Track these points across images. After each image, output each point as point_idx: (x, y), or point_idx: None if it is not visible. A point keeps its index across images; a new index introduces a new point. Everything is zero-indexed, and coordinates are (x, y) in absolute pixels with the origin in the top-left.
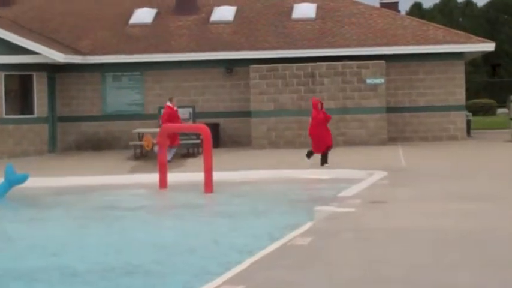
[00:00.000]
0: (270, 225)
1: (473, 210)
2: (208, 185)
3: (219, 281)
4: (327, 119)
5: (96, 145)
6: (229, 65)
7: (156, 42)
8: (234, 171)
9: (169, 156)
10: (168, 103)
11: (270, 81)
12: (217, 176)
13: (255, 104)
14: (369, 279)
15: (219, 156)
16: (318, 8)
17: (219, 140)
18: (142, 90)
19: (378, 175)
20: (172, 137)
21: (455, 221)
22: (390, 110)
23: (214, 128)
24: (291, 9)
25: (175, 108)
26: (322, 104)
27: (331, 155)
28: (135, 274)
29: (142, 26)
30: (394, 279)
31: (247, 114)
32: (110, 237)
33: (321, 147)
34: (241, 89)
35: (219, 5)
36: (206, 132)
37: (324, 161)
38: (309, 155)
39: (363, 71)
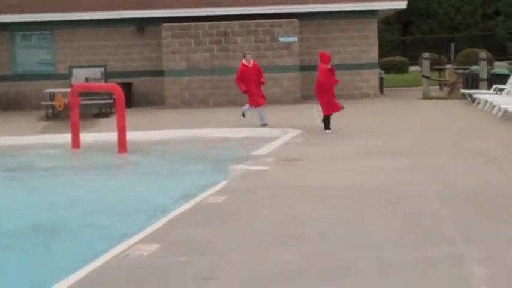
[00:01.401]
0: (184, 184)
1: (386, 166)
2: (122, 145)
3: (133, 240)
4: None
5: (7, 105)
6: (141, 24)
7: (66, 1)
8: (147, 130)
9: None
10: (243, 60)
11: (183, 40)
12: (130, 135)
13: (168, 63)
14: (283, 236)
15: (132, 116)
16: None
17: (131, 99)
18: (52, 49)
19: (292, 133)
20: (253, 95)
21: (369, 178)
22: (304, 68)
23: (127, 87)
24: None
25: (250, 64)
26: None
27: (246, 112)
28: (41, 233)
29: None
30: (308, 236)
31: (160, 73)
32: (21, 198)
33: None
34: (154, 48)
35: None
36: (118, 91)
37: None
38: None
39: (276, 29)
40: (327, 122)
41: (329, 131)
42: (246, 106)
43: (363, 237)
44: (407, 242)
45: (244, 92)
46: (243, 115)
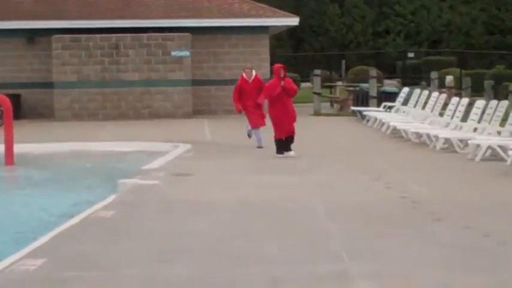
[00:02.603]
0: (73, 198)
1: (276, 182)
2: (9, 156)
3: (19, 254)
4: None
5: None
6: (31, 35)
7: None
8: (36, 143)
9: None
10: (243, 74)
11: (73, 52)
12: (18, 148)
13: (58, 75)
14: (172, 251)
15: (21, 128)
16: None
17: (20, 111)
18: None
19: (182, 148)
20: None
21: (259, 193)
22: (195, 83)
23: (15, 99)
24: None
25: (251, 79)
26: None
27: (135, 127)
28: None
29: None
30: (198, 251)
31: (50, 85)
32: None
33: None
34: (44, 60)
35: None
36: (6, 102)
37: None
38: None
39: (169, 43)
40: (279, 145)
41: (281, 155)
42: (248, 126)
43: (253, 252)
44: (296, 257)
45: (240, 111)
46: (249, 136)
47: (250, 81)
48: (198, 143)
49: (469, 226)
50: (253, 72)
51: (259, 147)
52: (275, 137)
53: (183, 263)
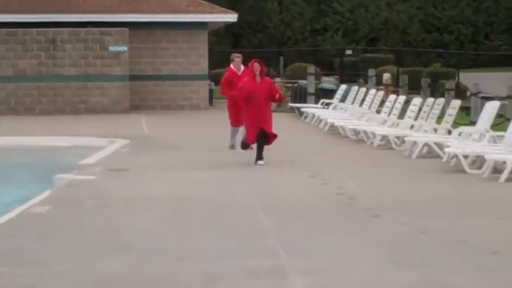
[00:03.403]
0: (7, 193)
1: (212, 178)
2: None
3: None
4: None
5: None
6: None
7: None
8: None
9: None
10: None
11: (9, 46)
12: None
13: None
14: (108, 247)
15: None
16: None
17: None
18: None
19: (119, 143)
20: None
21: (195, 189)
22: (133, 78)
23: None
24: None
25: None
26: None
27: (72, 122)
28: None
29: None
30: (134, 246)
31: None
32: None
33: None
34: None
35: None
36: None
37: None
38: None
39: (106, 38)
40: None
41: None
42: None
43: (189, 248)
44: (234, 253)
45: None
46: (232, 147)
47: (240, 73)
48: (135, 138)
49: (406, 223)
50: (242, 66)
51: (232, 147)
52: (244, 139)
53: (118, 259)
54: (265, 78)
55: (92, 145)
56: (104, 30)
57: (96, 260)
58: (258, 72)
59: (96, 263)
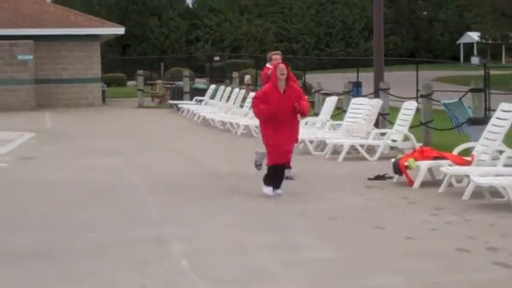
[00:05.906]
0: None
1: (104, 163)
2: None
3: None
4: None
5: None
6: None
7: None
8: None
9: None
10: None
11: None
12: None
13: None
14: (12, 224)
15: None
16: None
17: None
18: None
19: (27, 136)
20: None
21: (90, 172)
22: (38, 81)
23: None
24: None
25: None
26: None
27: None
28: None
29: None
30: (38, 222)
31: None
32: None
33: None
34: None
35: None
36: None
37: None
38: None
39: (15, 48)
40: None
41: (279, 191)
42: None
43: (85, 222)
44: (121, 225)
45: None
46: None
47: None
48: (40, 131)
49: (263, 196)
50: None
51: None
52: (268, 162)
53: (24, 234)
54: (292, 86)
55: (3, 138)
56: (12, 42)
57: (4, 236)
58: (284, 77)
59: (3, 238)
